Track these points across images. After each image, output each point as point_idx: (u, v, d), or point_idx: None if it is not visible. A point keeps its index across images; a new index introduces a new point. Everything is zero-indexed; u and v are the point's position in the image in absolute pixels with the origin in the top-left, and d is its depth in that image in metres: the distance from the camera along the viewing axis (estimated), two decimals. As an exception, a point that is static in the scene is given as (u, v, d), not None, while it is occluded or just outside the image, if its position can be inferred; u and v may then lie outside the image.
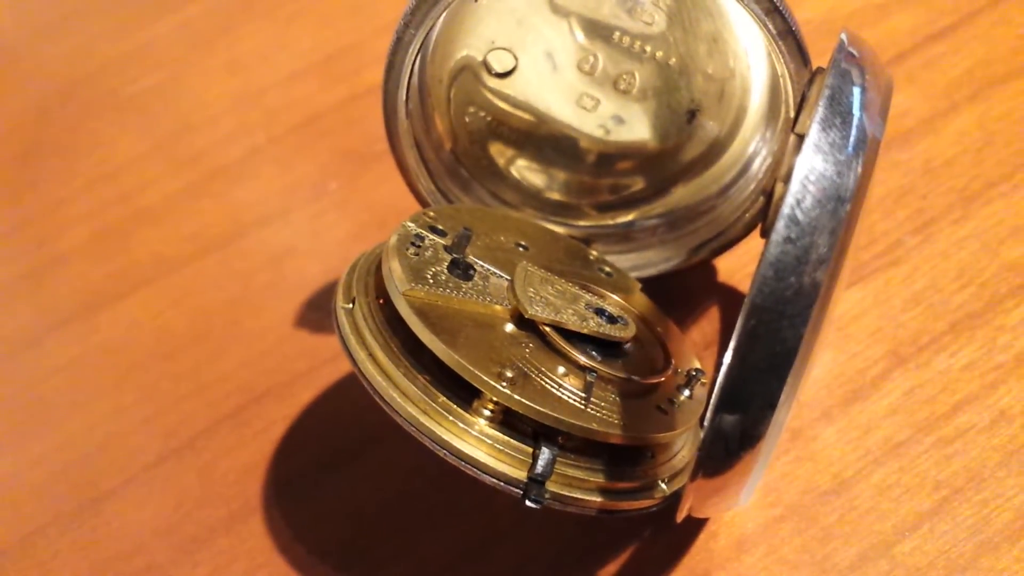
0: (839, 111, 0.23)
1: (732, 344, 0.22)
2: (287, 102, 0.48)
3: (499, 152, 0.34)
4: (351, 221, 0.42)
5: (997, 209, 0.35)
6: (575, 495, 0.26)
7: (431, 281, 0.27)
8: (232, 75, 0.50)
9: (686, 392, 0.29)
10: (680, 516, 0.26)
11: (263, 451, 0.35)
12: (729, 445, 0.24)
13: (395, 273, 0.27)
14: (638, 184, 0.35)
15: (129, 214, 0.46)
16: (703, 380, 0.30)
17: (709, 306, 0.35)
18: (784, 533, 0.30)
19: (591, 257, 0.33)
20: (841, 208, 0.22)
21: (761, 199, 0.33)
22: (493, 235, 0.31)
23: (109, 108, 0.51)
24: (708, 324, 0.34)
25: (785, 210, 0.22)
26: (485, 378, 0.26)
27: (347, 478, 0.34)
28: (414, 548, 0.32)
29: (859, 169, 0.23)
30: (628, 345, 0.29)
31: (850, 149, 0.23)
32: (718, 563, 0.29)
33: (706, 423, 0.23)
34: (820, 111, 0.23)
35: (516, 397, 0.26)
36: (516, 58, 0.33)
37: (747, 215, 0.33)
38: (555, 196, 0.35)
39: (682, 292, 0.35)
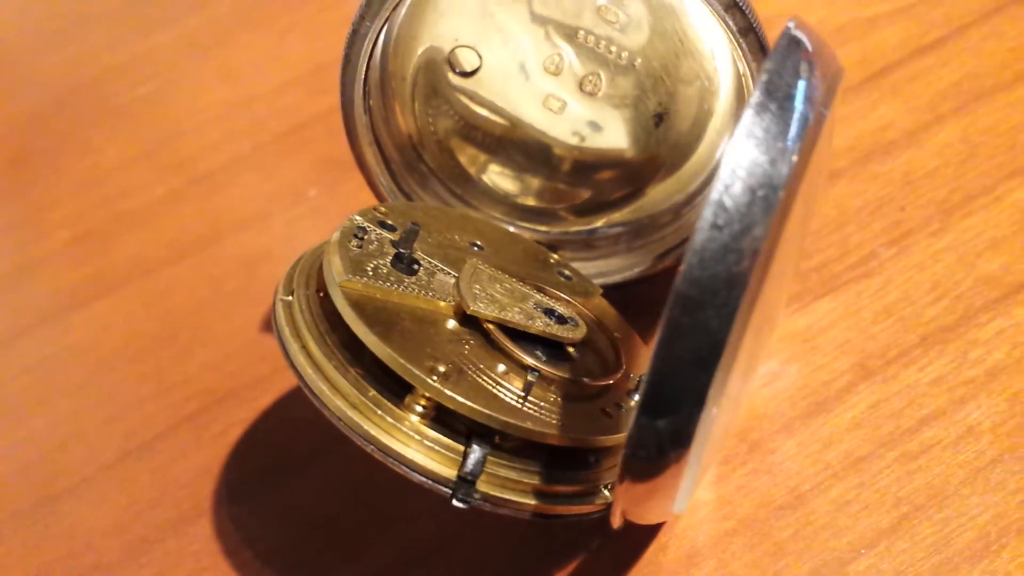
0: (776, 97, 0.22)
1: (657, 336, 0.22)
2: (274, 111, 0.47)
3: (464, 153, 0.34)
4: (327, 227, 0.41)
5: (976, 222, 0.33)
6: (508, 497, 0.25)
7: (371, 274, 0.27)
8: (224, 84, 0.50)
9: (636, 397, 0.28)
10: (614, 521, 0.25)
11: (218, 454, 0.35)
12: (657, 446, 0.23)
13: (333, 265, 0.27)
14: (604, 190, 0.34)
15: (111, 218, 0.46)
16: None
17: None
18: (735, 548, 0.28)
19: (551, 260, 0.32)
20: (773, 197, 0.21)
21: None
22: (447, 233, 0.30)
23: (101, 116, 0.51)
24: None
25: (713, 196, 0.21)
26: (416, 372, 0.25)
27: (299, 482, 0.33)
28: (360, 554, 0.31)
29: (794, 158, 0.22)
30: (577, 347, 0.28)
31: (786, 137, 0.22)
32: (665, 577, 0.28)
33: (631, 422, 0.22)
34: (756, 96, 0.22)
35: (447, 392, 0.25)
36: (480, 57, 0.32)
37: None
38: (519, 200, 0.34)
39: (649, 300, 0.34)
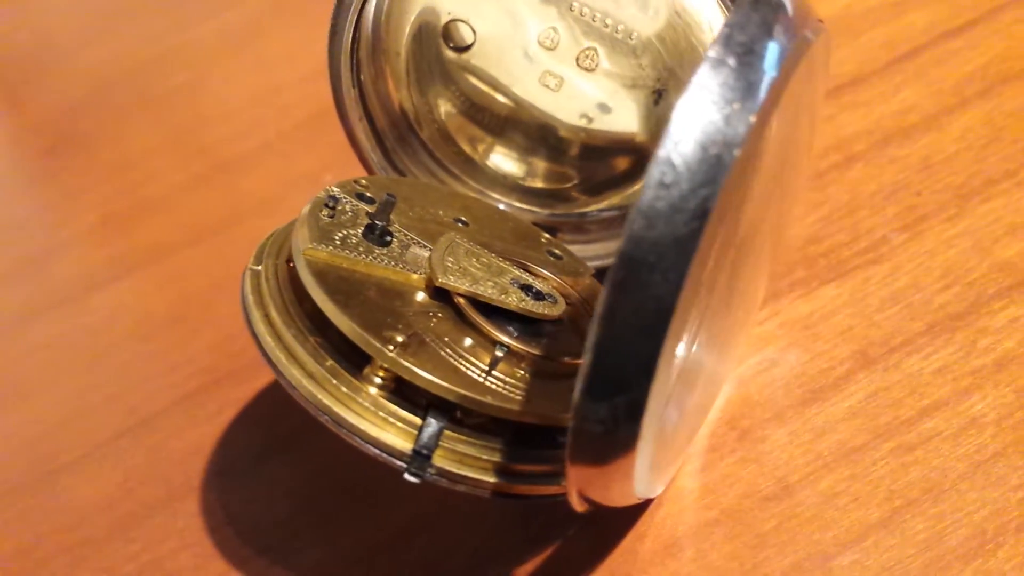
0: (736, 52, 0.21)
1: (600, 301, 0.21)
2: (300, 99, 0.48)
3: (462, 131, 0.33)
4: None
5: (996, 206, 0.32)
6: (466, 473, 0.25)
7: (338, 243, 0.26)
8: (255, 75, 0.50)
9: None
10: (574, 503, 0.24)
11: (211, 433, 0.35)
12: (604, 420, 0.21)
13: (300, 233, 0.26)
14: (602, 172, 0.33)
15: (136, 203, 0.46)
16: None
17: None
18: (716, 538, 0.27)
19: (542, 240, 0.31)
20: (727, 155, 0.20)
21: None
22: (431, 208, 0.30)
23: (136, 106, 0.52)
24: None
25: (661, 152, 0.20)
26: (373, 341, 0.24)
27: (285, 463, 0.33)
28: (337, 535, 0.31)
29: (752, 118, 0.21)
30: (555, 325, 0.28)
31: (746, 94, 0.21)
32: (641, 566, 0.27)
33: (575, 394, 0.21)
34: (714, 49, 0.21)
35: (402, 362, 0.24)
36: (474, 31, 0.32)
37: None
38: (516, 180, 0.33)
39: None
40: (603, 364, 0.21)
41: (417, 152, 0.33)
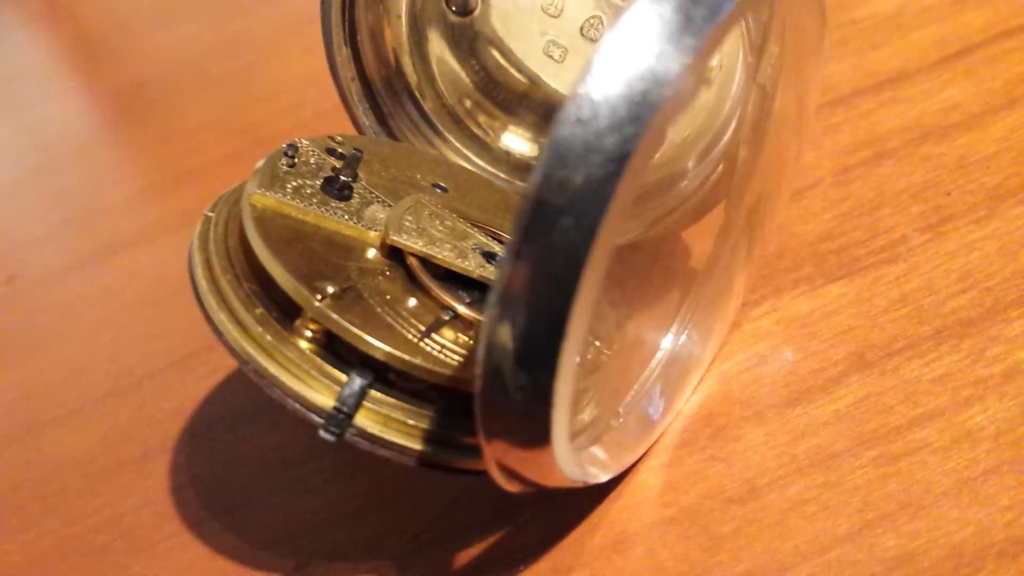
0: (679, -11, 0.19)
1: (506, 247, 0.19)
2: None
3: (460, 100, 0.32)
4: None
5: (1029, 210, 0.29)
6: (389, 438, 0.23)
7: (290, 191, 0.25)
8: (306, 58, 0.50)
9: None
10: (495, 476, 0.22)
11: (195, 397, 0.34)
12: (512, 384, 0.20)
13: (251, 179, 0.25)
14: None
15: (178, 173, 0.47)
16: (602, 351, 0.26)
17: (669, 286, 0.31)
18: (669, 537, 0.25)
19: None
20: (655, 93, 0.18)
21: (722, 165, 0.29)
22: (409, 171, 0.29)
23: (194, 85, 0.53)
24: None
25: (579, 88, 0.18)
26: (302, 289, 0.23)
27: (257, 431, 0.32)
28: (292, 506, 0.30)
29: (688, 58, 0.19)
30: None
31: (683, 29, 0.19)
32: (586, 560, 0.25)
33: (479, 352, 0.20)
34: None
35: (330, 314, 0.23)
36: (478, -4, 0.31)
37: (708, 183, 0.29)
38: (507, 153, 0.32)
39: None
40: (507, 319, 0.19)
41: (416, 121, 0.32)
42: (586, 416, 0.26)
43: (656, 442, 0.27)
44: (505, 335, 0.19)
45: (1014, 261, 0.28)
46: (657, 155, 0.29)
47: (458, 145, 0.33)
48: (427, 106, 0.32)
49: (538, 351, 0.19)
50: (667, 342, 0.29)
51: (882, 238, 0.30)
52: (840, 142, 0.33)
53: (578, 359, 0.20)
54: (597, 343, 0.27)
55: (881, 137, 0.33)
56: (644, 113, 0.18)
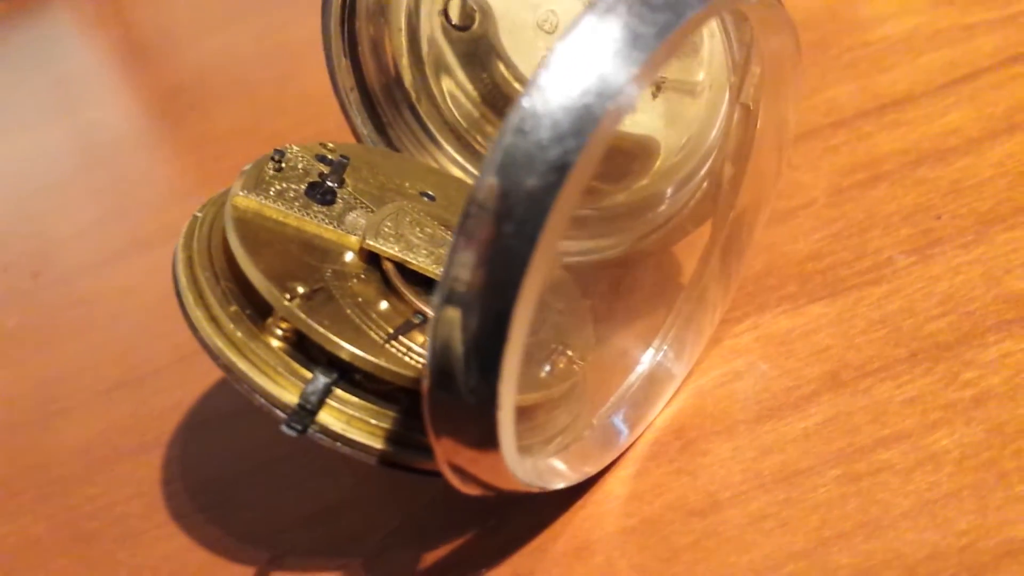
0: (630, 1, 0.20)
1: (448, 252, 0.19)
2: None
3: (458, 112, 0.33)
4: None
5: (1017, 236, 0.29)
6: (351, 436, 0.24)
7: (272, 195, 0.26)
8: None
9: (545, 366, 0.26)
10: (448, 476, 0.23)
11: (194, 393, 0.35)
12: (456, 385, 0.20)
13: (236, 182, 0.26)
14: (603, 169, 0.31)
15: (204, 176, 0.49)
16: (575, 360, 0.27)
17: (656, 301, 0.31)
18: (628, 547, 0.25)
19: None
20: (598, 107, 0.19)
21: (707, 183, 0.29)
22: (397, 179, 0.29)
23: (230, 92, 0.55)
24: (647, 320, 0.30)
25: (523, 99, 0.19)
26: (273, 288, 0.24)
27: (249, 427, 0.33)
28: (273, 502, 0.30)
29: (633, 72, 0.19)
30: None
31: (631, 44, 0.19)
32: (546, 567, 0.25)
33: (427, 353, 0.20)
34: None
35: (298, 313, 0.24)
36: (476, 9, 0.31)
37: (692, 201, 0.29)
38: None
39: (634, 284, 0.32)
40: (451, 320, 0.20)
41: (415, 132, 0.33)
42: (558, 423, 0.27)
43: (626, 453, 0.27)
44: (449, 335, 0.20)
45: (997, 286, 0.28)
46: (649, 173, 0.30)
47: (457, 157, 0.33)
48: (425, 117, 0.33)
49: (480, 352, 0.20)
50: (647, 357, 0.29)
51: (868, 259, 0.30)
52: (837, 163, 0.33)
53: (520, 362, 0.20)
54: (570, 352, 0.27)
55: (878, 159, 0.33)
56: (585, 126, 0.19)
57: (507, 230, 0.19)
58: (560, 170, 0.19)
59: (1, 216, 0.51)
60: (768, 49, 0.24)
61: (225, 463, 0.32)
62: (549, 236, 0.19)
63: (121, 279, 0.43)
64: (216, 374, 0.36)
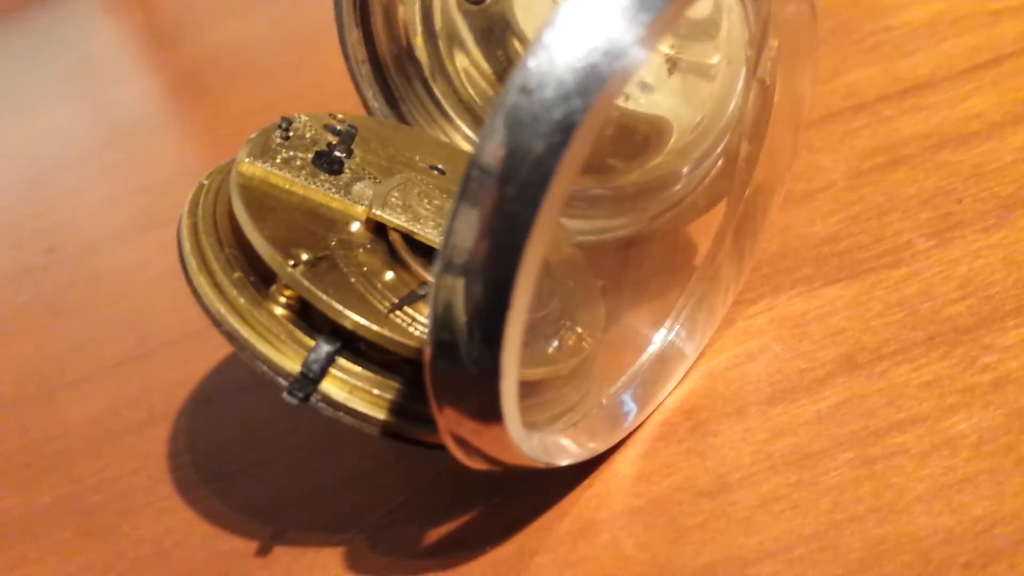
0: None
1: (450, 211, 0.19)
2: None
3: (472, 89, 0.32)
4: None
5: (1040, 221, 0.28)
6: (353, 406, 0.23)
7: (279, 162, 0.26)
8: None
9: (553, 341, 0.25)
10: (450, 447, 0.22)
11: (202, 368, 0.35)
12: (459, 352, 0.20)
13: (242, 148, 0.26)
14: (609, 150, 0.31)
15: (216, 156, 0.48)
16: (584, 338, 0.26)
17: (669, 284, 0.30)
18: (635, 526, 0.25)
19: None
20: (606, 66, 0.18)
21: (722, 161, 0.28)
22: (407, 152, 0.29)
23: (245, 76, 0.54)
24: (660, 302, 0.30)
25: (528, 57, 0.18)
26: (276, 255, 0.23)
27: (256, 402, 0.33)
28: (279, 476, 0.30)
29: (643, 30, 0.19)
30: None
31: (639, 2, 0.19)
32: (551, 544, 0.25)
33: (429, 321, 0.20)
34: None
35: (302, 280, 0.23)
36: (489, -16, 0.31)
37: (707, 179, 0.29)
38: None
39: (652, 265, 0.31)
40: (452, 286, 0.19)
41: (428, 107, 0.32)
42: (567, 400, 0.26)
43: (634, 433, 0.27)
44: (450, 302, 0.19)
45: (1018, 271, 0.27)
46: (662, 152, 0.29)
47: (470, 134, 0.33)
48: (438, 92, 0.32)
49: (482, 320, 0.19)
50: (659, 337, 0.28)
51: (887, 242, 0.29)
52: (857, 147, 0.33)
53: (522, 330, 0.20)
54: (579, 329, 0.26)
55: (899, 143, 0.32)
56: (592, 86, 0.18)
57: (510, 192, 0.18)
58: (566, 130, 0.18)
59: (17, 192, 0.51)
60: (784, 16, 0.23)
61: (230, 438, 0.32)
62: (553, 199, 0.19)
63: (133, 256, 0.43)
64: (224, 349, 0.35)
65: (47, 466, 0.33)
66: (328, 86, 0.50)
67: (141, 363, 0.36)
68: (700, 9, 0.29)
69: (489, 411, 0.21)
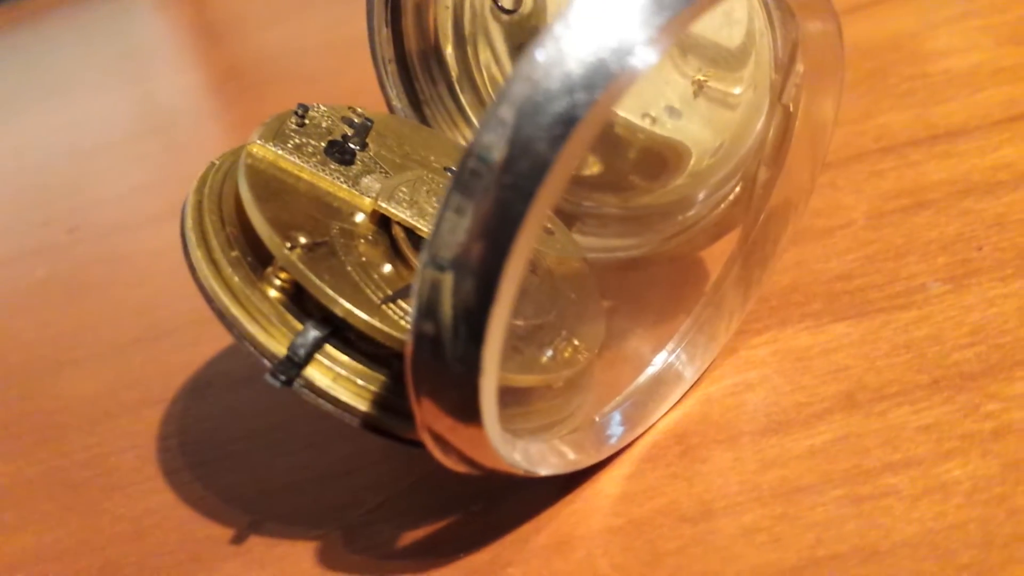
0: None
1: (442, 198, 0.19)
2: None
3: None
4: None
5: (1061, 274, 0.27)
6: (335, 395, 0.23)
7: (290, 147, 0.26)
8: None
9: (548, 351, 0.25)
10: (427, 443, 0.22)
11: (205, 354, 0.35)
12: (441, 343, 0.19)
13: (255, 131, 0.26)
14: (627, 169, 0.31)
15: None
16: (581, 351, 0.26)
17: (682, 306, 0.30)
18: (612, 546, 0.24)
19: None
20: (613, 63, 0.18)
21: (740, 187, 0.28)
22: (423, 151, 0.29)
23: (285, 79, 0.55)
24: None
25: (536, 47, 0.18)
26: (275, 236, 0.23)
27: (254, 392, 0.32)
28: (265, 466, 0.30)
29: (655, 31, 0.18)
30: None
31: (653, 3, 0.19)
32: (525, 557, 0.25)
33: (412, 308, 0.19)
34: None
35: (297, 264, 0.23)
36: (525, -8, 0.31)
37: (724, 204, 0.28)
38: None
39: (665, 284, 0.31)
40: (437, 276, 0.19)
41: (452, 113, 0.32)
42: (558, 412, 0.26)
43: (623, 453, 0.26)
44: (434, 291, 0.19)
45: (1032, 322, 0.26)
46: (682, 175, 0.29)
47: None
48: (465, 99, 0.32)
49: (466, 311, 0.19)
50: (659, 359, 0.28)
51: (901, 284, 0.28)
52: (882, 188, 0.32)
53: (506, 324, 0.19)
54: (576, 342, 0.26)
55: (925, 188, 0.32)
56: (598, 81, 0.18)
57: (505, 182, 0.18)
58: (567, 123, 0.18)
59: (52, 172, 0.52)
60: (809, 36, 0.23)
61: (223, 425, 0.32)
62: (547, 194, 0.18)
63: (153, 242, 0.43)
64: (228, 339, 0.35)
65: (40, 439, 0.33)
66: (364, 96, 0.50)
67: (148, 346, 0.36)
68: (733, 38, 0.29)
69: (467, 406, 0.20)
